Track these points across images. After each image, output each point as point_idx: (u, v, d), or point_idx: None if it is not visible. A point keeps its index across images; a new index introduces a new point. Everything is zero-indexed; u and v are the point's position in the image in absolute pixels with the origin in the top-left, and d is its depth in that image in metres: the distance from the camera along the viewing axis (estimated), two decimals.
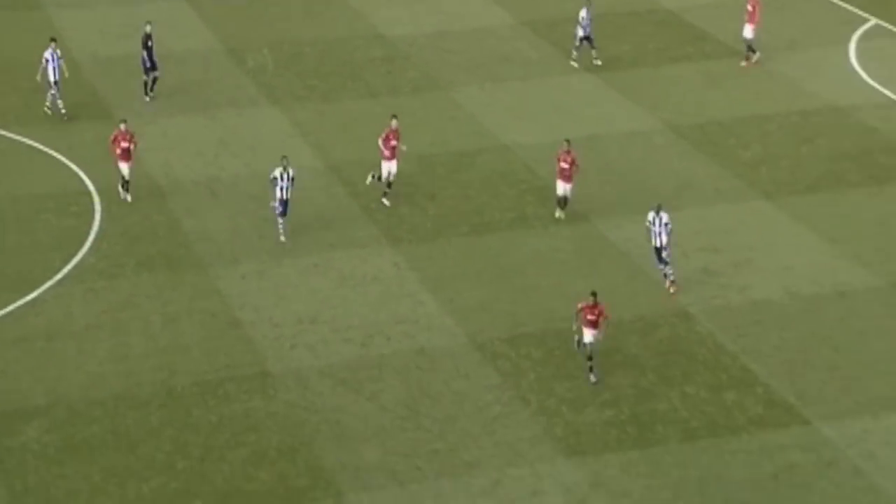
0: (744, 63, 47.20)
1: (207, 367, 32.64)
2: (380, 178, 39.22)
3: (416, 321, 34.30)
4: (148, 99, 45.75)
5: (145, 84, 45.86)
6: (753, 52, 46.94)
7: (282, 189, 37.08)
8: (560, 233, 38.10)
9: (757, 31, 46.82)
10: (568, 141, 38.01)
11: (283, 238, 37.51)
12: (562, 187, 38.24)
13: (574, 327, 32.22)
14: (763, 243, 37.57)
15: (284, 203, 37.20)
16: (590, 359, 32.07)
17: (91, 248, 37.39)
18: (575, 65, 48.00)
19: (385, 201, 39.25)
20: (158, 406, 31.35)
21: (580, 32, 47.10)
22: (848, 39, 48.36)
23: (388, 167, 39.05)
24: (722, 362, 32.62)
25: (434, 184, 40.97)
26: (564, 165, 37.91)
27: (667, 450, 29.70)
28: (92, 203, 39.72)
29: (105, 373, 32.35)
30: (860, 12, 50.02)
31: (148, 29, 45.25)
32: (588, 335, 32.02)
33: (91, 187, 40.55)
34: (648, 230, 34.91)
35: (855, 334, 33.61)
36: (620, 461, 29.33)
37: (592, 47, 47.37)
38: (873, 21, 49.22)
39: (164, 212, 39.34)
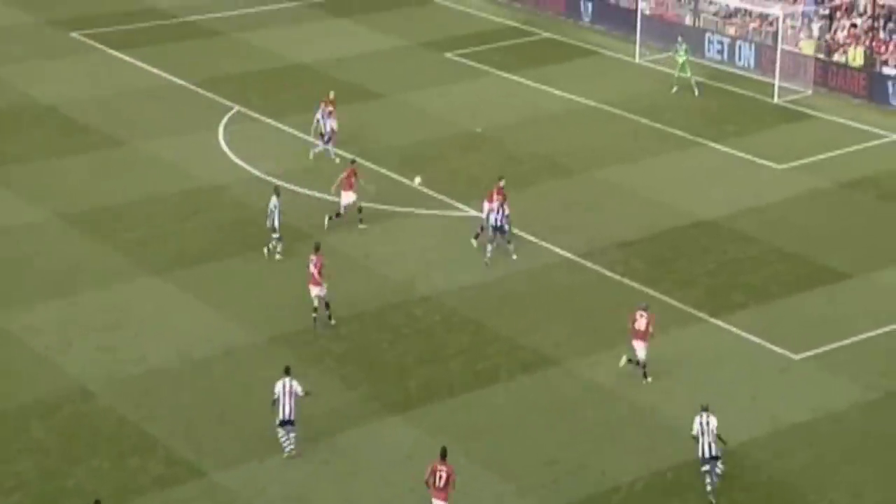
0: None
1: None
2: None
3: None
4: None
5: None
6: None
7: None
8: None
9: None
10: None
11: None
12: None
13: None
14: (156, 315, 30.98)
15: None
16: None
17: None
18: None
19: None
20: None
21: None
22: (217, 125, 42.40)
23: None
24: (124, 432, 26.45)
25: None
26: None
27: None
28: None
29: None
30: (224, 101, 44.25)
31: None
32: None
33: None
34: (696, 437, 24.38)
35: (241, 387, 28.10)
36: None
37: None
38: (236, 108, 43.66)
39: None
